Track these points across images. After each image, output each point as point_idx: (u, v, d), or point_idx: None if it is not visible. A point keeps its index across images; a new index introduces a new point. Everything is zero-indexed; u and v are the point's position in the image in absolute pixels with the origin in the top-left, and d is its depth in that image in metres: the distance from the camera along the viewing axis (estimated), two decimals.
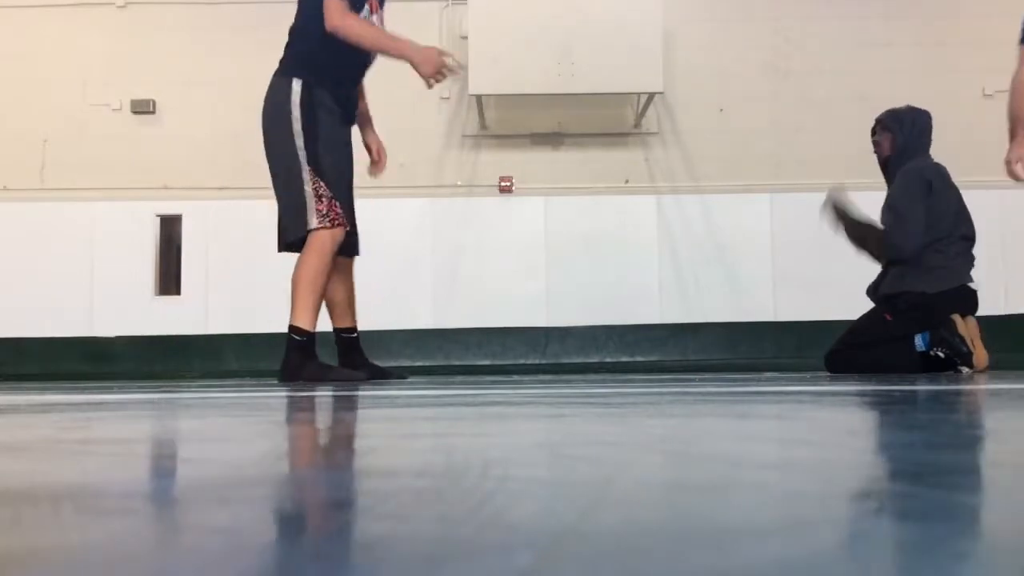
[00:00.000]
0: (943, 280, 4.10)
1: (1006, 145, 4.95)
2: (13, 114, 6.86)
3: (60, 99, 6.86)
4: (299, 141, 3.54)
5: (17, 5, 6.91)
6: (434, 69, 3.58)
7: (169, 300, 6.69)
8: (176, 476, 0.90)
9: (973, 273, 4.22)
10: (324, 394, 2.68)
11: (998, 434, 1.22)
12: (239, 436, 1.28)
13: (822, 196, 6.78)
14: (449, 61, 3.63)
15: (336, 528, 0.56)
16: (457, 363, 6.46)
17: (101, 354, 6.49)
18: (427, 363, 6.42)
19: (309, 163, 3.55)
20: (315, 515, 0.60)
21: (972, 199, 6.77)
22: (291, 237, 3.61)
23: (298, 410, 1.95)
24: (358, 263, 6.73)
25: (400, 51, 3.65)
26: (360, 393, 2.72)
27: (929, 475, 0.77)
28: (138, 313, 6.59)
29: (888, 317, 4.16)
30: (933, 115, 7.27)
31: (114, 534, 0.54)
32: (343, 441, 1.23)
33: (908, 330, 4.16)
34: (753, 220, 6.71)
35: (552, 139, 6.93)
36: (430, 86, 3.66)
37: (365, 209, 6.83)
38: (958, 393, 2.29)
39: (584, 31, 6.23)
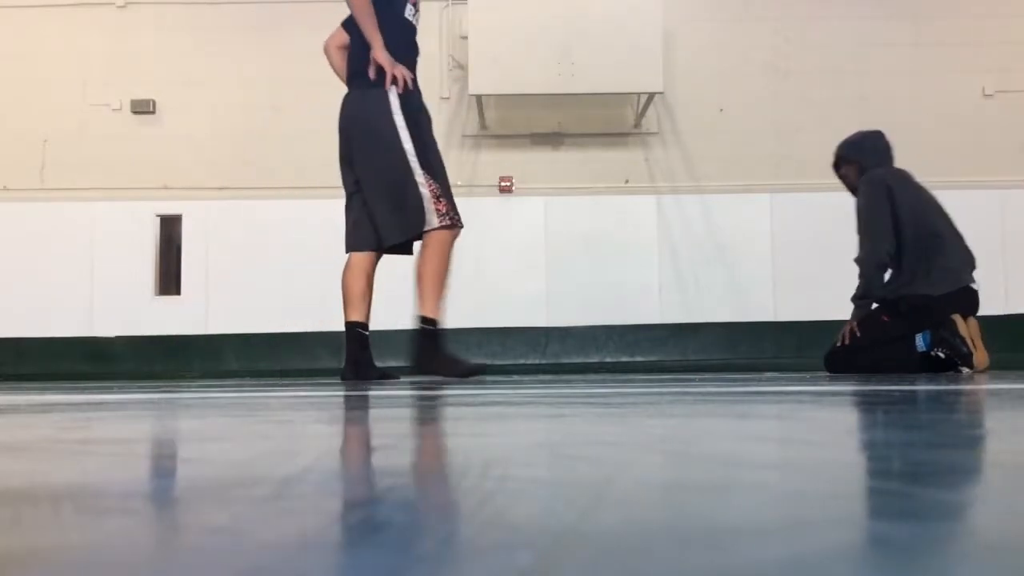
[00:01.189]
0: (945, 282, 4.09)
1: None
2: (13, 114, 6.86)
3: (60, 99, 6.86)
4: (408, 146, 3.77)
5: (17, 5, 6.91)
6: (389, 70, 3.79)
7: (169, 300, 6.69)
8: (176, 476, 0.90)
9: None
10: (324, 394, 2.68)
11: (997, 434, 1.22)
12: (239, 436, 1.28)
13: (822, 196, 6.81)
14: (405, 81, 3.86)
15: (335, 528, 0.56)
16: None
17: (101, 354, 6.49)
18: None
19: (422, 167, 3.77)
20: (315, 515, 0.60)
21: (972, 199, 6.80)
22: (401, 237, 3.80)
23: (297, 410, 1.95)
24: None
25: (373, 40, 3.82)
26: (358, 393, 2.72)
27: (929, 475, 0.77)
28: (138, 313, 6.59)
29: (886, 319, 4.15)
30: (933, 115, 7.27)
31: (114, 534, 0.54)
32: (342, 441, 1.23)
33: (906, 331, 4.15)
34: (753, 220, 6.71)
35: (552, 139, 6.93)
36: (374, 75, 3.80)
37: None
38: (958, 393, 2.29)
39: (584, 31, 6.23)
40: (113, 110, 6.89)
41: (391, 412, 1.79)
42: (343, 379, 4.02)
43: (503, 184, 6.83)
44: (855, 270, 6.66)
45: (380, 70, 3.83)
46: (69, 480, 0.81)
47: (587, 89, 6.30)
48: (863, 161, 4.34)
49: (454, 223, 3.82)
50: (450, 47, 6.90)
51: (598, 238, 6.68)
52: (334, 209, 6.75)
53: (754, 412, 1.69)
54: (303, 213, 6.69)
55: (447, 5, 6.90)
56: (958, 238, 4.28)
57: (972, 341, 4.05)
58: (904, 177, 4.25)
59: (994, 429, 1.29)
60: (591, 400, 2.10)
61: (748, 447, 1.07)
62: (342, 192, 6.85)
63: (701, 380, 3.75)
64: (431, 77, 7.00)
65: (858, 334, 4.07)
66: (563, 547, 0.48)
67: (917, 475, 0.77)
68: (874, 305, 4.32)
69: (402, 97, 3.82)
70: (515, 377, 4.76)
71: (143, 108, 6.87)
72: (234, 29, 6.92)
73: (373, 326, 4.06)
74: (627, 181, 6.86)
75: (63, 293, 6.58)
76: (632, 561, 0.44)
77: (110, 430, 1.46)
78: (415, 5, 4.07)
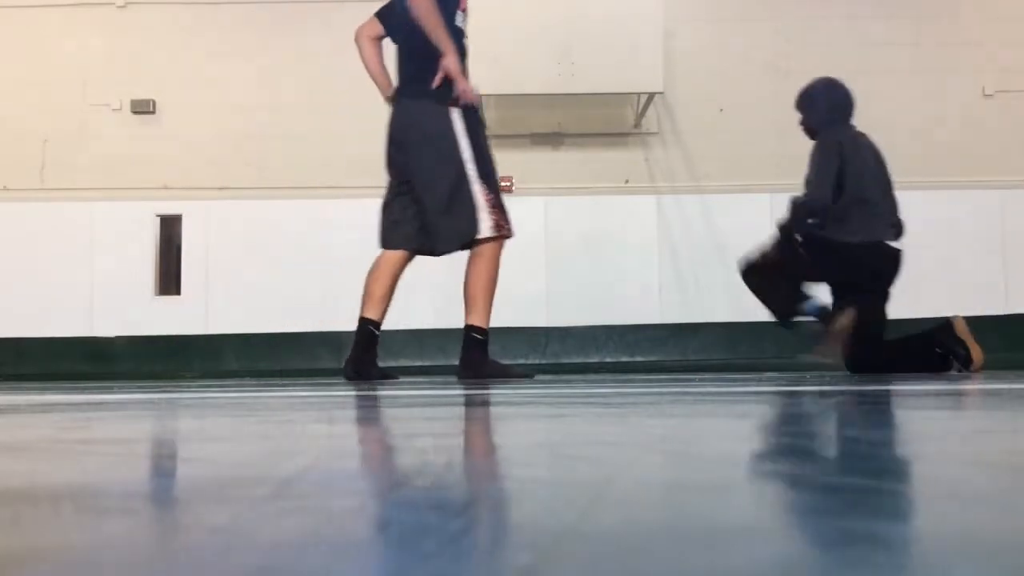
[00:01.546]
0: (861, 233, 4.18)
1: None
2: (13, 114, 6.86)
3: (60, 99, 6.86)
4: (466, 155, 3.81)
5: (17, 5, 6.91)
6: (461, 84, 3.81)
7: (169, 300, 6.69)
8: (176, 476, 0.90)
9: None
10: (323, 394, 2.68)
11: (997, 434, 1.22)
12: (239, 436, 1.28)
13: None
14: (475, 98, 3.91)
15: (336, 528, 0.56)
16: (457, 363, 6.46)
17: (101, 354, 6.49)
18: (427, 363, 6.41)
19: (481, 178, 3.83)
20: (314, 515, 0.60)
21: (972, 199, 6.80)
22: (456, 246, 3.87)
23: (297, 410, 1.95)
24: (357, 262, 6.74)
25: (446, 48, 3.79)
26: (356, 393, 2.73)
27: (929, 475, 0.77)
28: (138, 313, 6.59)
29: (803, 251, 4.23)
30: (933, 115, 7.26)
31: (114, 534, 0.54)
32: (342, 441, 1.23)
33: (826, 277, 4.25)
34: (753, 220, 6.70)
35: (552, 139, 6.92)
36: (439, 83, 3.78)
37: (366, 209, 6.85)
38: (959, 393, 2.29)
39: (584, 31, 6.22)
40: (113, 110, 6.88)
41: (391, 412, 1.79)
42: (346, 377, 4.03)
43: (503, 184, 6.82)
44: None
45: (443, 78, 3.79)
46: (69, 480, 0.81)
47: (587, 89, 6.30)
48: (812, 113, 4.45)
49: (506, 233, 3.87)
50: None
51: (598, 238, 6.67)
52: (334, 209, 6.78)
53: (754, 412, 1.69)
54: (303, 213, 6.69)
55: None
56: (891, 203, 4.43)
57: (967, 342, 4.08)
58: (857, 143, 4.32)
59: (993, 429, 1.29)
60: (591, 400, 2.10)
61: (748, 447, 1.07)
62: (342, 192, 6.89)
63: (701, 380, 3.75)
64: None
65: (776, 255, 4.25)
66: (563, 547, 0.48)
67: (916, 475, 0.77)
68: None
69: (461, 104, 3.85)
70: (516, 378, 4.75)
71: (143, 108, 6.87)
72: (234, 29, 6.92)
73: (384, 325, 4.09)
74: (627, 181, 6.86)
75: (63, 293, 6.58)
76: (632, 561, 0.44)
77: (110, 430, 1.46)
78: (464, 11, 4.04)
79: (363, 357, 4.01)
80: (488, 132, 6.80)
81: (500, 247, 3.90)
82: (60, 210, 6.67)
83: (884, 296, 4.27)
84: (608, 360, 6.51)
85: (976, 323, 6.52)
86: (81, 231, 6.65)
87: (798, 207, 4.25)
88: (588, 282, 6.62)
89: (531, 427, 1.41)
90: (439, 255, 4.01)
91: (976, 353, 4.06)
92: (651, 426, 1.39)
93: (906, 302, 6.65)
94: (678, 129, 6.91)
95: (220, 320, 6.61)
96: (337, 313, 6.61)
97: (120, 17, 6.94)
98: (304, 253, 6.63)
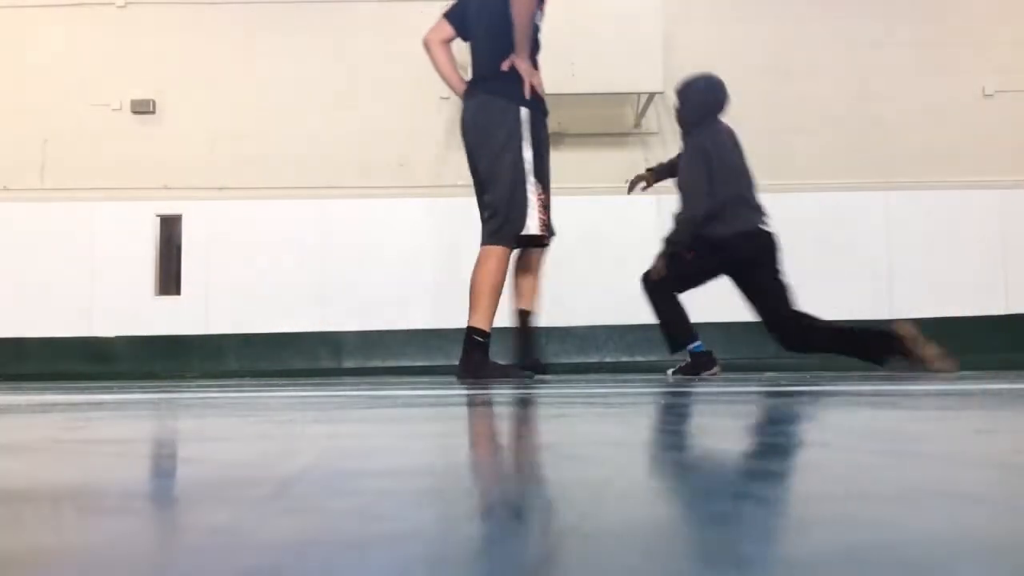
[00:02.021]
0: (738, 224, 4.30)
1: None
2: (13, 114, 6.86)
3: (60, 99, 6.86)
4: (527, 155, 3.90)
5: (17, 5, 6.91)
6: (527, 80, 3.90)
7: (169, 300, 6.69)
8: (176, 476, 0.90)
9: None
10: (321, 395, 2.68)
11: (997, 434, 1.22)
12: (239, 436, 1.28)
13: (822, 196, 6.81)
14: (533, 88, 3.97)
15: (336, 528, 0.56)
16: (457, 363, 6.47)
17: (101, 354, 6.49)
18: (427, 363, 6.41)
19: (536, 176, 3.92)
20: (315, 515, 0.60)
21: (972, 199, 6.80)
22: (501, 237, 3.89)
23: (297, 410, 1.95)
24: (357, 262, 6.74)
25: (522, 46, 3.90)
26: (358, 393, 2.72)
27: (929, 475, 0.77)
28: (138, 313, 6.59)
29: (688, 256, 4.34)
30: (933, 115, 7.25)
31: (114, 534, 0.54)
32: (343, 441, 1.23)
33: (706, 264, 4.39)
34: None
35: (552, 139, 6.89)
36: (507, 67, 3.88)
37: (366, 209, 6.86)
38: (960, 393, 2.29)
39: (584, 31, 6.22)
40: (113, 110, 6.88)
41: (392, 412, 1.79)
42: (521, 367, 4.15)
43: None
44: (854, 270, 6.68)
45: (514, 75, 3.88)
46: (69, 480, 0.81)
47: (587, 89, 6.29)
48: (682, 108, 4.51)
49: (548, 236, 3.98)
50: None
51: (598, 238, 6.67)
52: (334, 209, 6.78)
53: (754, 412, 1.69)
54: (303, 213, 6.69)
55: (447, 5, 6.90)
56: (755, 197, 4.52)
57: (918, 346, 4.15)
58: (720, 142, 4.41)
59: (993, 429, 1.29)
60: (591, 400, 2.10)
61: (748, 447, 1.07)
62: (342, 192, 6.89)
63: (701, 380, 3.76)
64: (431, 77, 6.99)
65: (664, 272, 4.36)
66: (563, 547, 0.47)
67: (916, 474, 0.77)
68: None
69: (531, 104, 3.92)
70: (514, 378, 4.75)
71: (143, 108, 6.87)
72: (234, 29, 6.92)
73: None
74: (627, 181, 6.86)
75: (63, 293, 6.58)
76: (632, 561, 0.44)
77: (110, 430, 1.46)
78: (542, 9, 4.09)
79: (529, 348, 4.15)
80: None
81: (509, 252, 3.95)
82: (60, 210, 6.66)
83: (775, 276, 4.40)
84: (608, 360, 6.51)
85: (976, 323, 6.55)
86: (81, 231, 6.64)
87: (681, 223, 4.34)
88: (588, 282, 6.62)
89: (531, 427, 1.41)
90: (522, 242, 4.05)
91: (929, 351, 4.10)
92: (651, 426, 1.39)
93: (906, 302, 6.67)
94: (678, 129, 6.90)
95: (220, 320, 6.61)
96: (337, 313, 6.62)
97: (120, 17, 6.94)
98: (305, 253, 6.63)
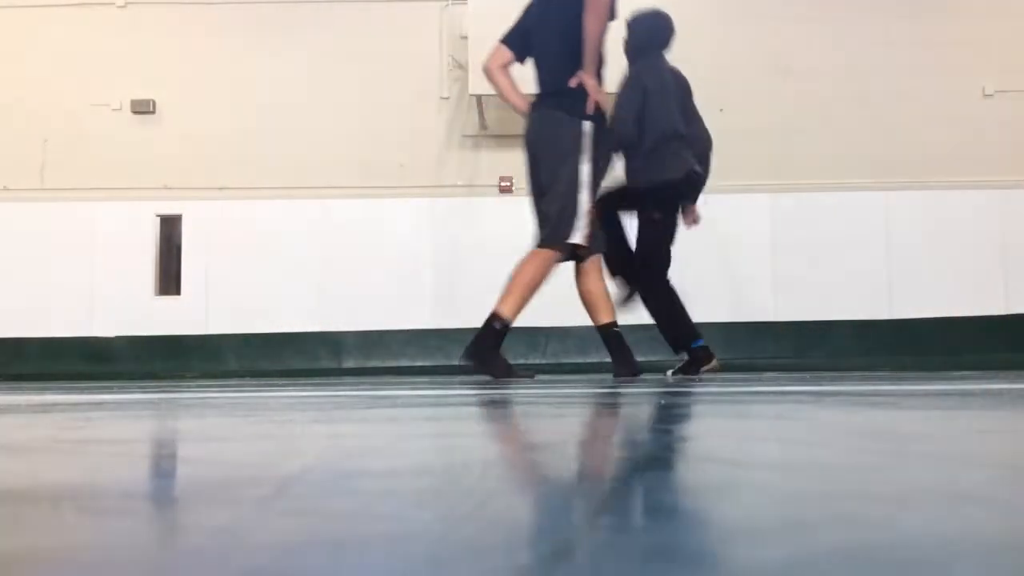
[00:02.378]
0: (675, 169, 4.34)
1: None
2: (13, 114, 6.86)
3: (60, 99, 6.86)
4: (584, 168, 4.01)
5: (17, 5, 6.91)
6: (593, 96, 4.01)
7: (169, 300, 6.69)
8: (176, 476, 0.90)
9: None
10: (321, 395, 2.68)
11: (997, 434, 1.22)
12: (239, 436, 1.28)
13: (822, 196, 6.81)
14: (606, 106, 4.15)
15: (336, 528, 0.56)
16: (457, 363, 6.47)
17: (101, 354, 6.49)
18: (427, 363, 6.41)
19: (591, 189, 4.04)
20: (315, 515, 0.60)
21: (972, 199, 6.80)
22: (550, 240, 4.02)
23: (297, 410, 1.95)
24: (357, 262, 6.75)
25: (591, 64, 4.03)
26: (358, 393, 2.73)
27: (929, 475, 0.77)
28: (138, 313, 6.59)
29: (657, 215, 4.36)
30: (933, 115, 7.25)
31: (114, 534, 0.54)
32: (343, 441, 1.23)
33: (671, 213, 4.43)
34: (753, 220, 6.71)
35: None
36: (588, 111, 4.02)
37: (366, 209, 6.86)
38: (960, 393, 2.29)
39: None
40: (113, 110, 6.88)
41: (392, 412, 1.79)
42: (617, 376, 4.20)
43: (503, 184, 6.83)
44: (854, 270, 6.68)
45: (580, 91, 3.98)
46: (69, 480, 0.81)
47: None
48: (629, 39, 4.55)
49: (587, 247, 4.10)
50: (450, 47, 6.90)
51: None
52: (334, 209, 6.78)
53: (754, 412, 1.69)
54: (303, 213, 6.69)
55: (447, 5, 6.90)
56: (698, 133, 4.53)
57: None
58: (663, 78, 4.44)
59: (992, 429, 1.29)
60: (591, 400, 2.10)
61: (748, 447, 1.07)
62: (342, 192, 6.89)
63: (701, 380, 3.76)
64: (431, 77, 7.00)
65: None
66: (563, 547, 0.47)
67: (915, 474, 0.77)
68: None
69: (594, 119, 4.04)
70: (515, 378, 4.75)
71: (143, 108, 6.87)
72: (234, 29, 6.92)
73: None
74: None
75: (63, 293, 6.58)
76: (632, 561, 0.44)
77: (110, 430, 1.46)
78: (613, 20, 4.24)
79: (626, 356, 4.22)
80: (487, 132, 6.85)
81: (555, 256, 4.07)
82: (60, 210, 6.66)
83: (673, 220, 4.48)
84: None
85: (976, 323, 6.55)
86: (81, 231, 6.65)
87: (615, 136, 4.36)
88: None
89: (531, 427, 1.42)
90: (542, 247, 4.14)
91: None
92: (651, 426, 1.39)
93: (907, 302, 6.67)
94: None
95: (220, 320, 6.61)
96: (337, 313, 6.62)
97: (120, 17, 6.94)
98: (304, 253, 6.63)
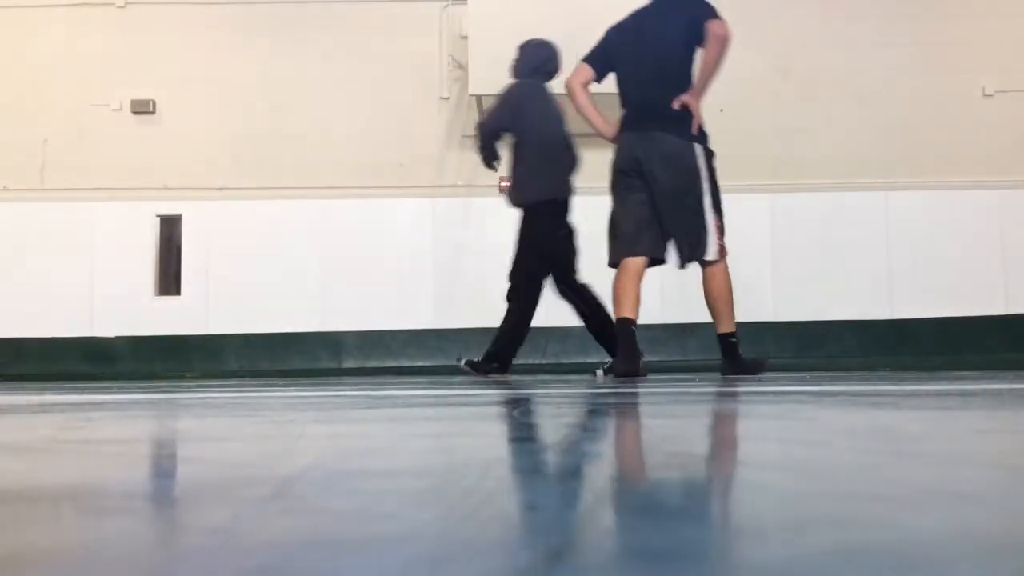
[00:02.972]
0: (551, 191, 4.69)
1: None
2: (13, 114, 6.86)
3: (60, 99, 6.86)
4: (705, 186, 4.24)
5: (17, 5, 6.91)
6: (698, 119, 4.23)
7: (169, 300, 6.69)
8: (176, 476, 0.90)
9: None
10: (321, 395, 2.68)
11: (997, 434, 1.22)
12: (239, 436, 1.28)
13: (822, 196, 6.80)
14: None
15: (336, 528, 0.56)
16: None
17: (101, 354, 6.49)
18: (427, 363, 6.41)
19: (714, 208, 4.26)
20: (315, 515, 0.60)
21: (972, 199, 6.80)
22: (698, 256, 4.27)
23: (295, 410, 1.95)
24: (357, 262, 6.74)
25: (704, 90, 4.28)
26: (358, 393, 2.73)
27: (929, 475, 0.77)
28: (138, 313, 6.59)
29: (562, 232, 4.67)
30: (933, 115, 7.25)
31: (114, 534, 0.54)
32: (343, 441, 1.23)
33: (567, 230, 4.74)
34: (753, 220, 6.70)
35: None
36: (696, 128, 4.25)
37: (366, 209, 6.86)
38: (960, 393, 2.29)
39: (584, 31, 6.21)
40: (113, 110, 6.88)
41: (392, 412, 1.79)
42: (616, 374, 4.35)
43: (503, 184, 6.83)
44: (854, 270, 6.67)
45: (686, 113, 4.19)
46: (69, 480, 0.81)
47: None
48: (515, 64, 4.87)
49: (725, 255, 4.33)
50: (450, 47, 6.90)
51: (598, 238, 6.65)
52: (334, 209, 6.78)
53: (754, 412, 1.69)
54: (303, 213, 6.69)
55: (447, 5, 6.90)
56: (570, 151, 4.85)
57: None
58: (543, 100, 4.73)
59: (994, 429, 1.29)
60: (591, 400, 2.10)
61: (748, 447, 1.07)
62: (342, 192, 6.89)
63: (701, 380, 3.76)
64: (431, 77, 7.00)
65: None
66: (563, 547, 0.47)
67: (915, 474, 0.77)
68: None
69: (702, 140, 4.25)
70: (515, 377, 4.76)
71: (143, 108, 6.87)
72: (234, 29, 6.92)
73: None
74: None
75: (63, 293, 6.58)
76: (632, 561, 0.44)
77: (110, 430, 1.46)
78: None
79: (632, 354, 4.34)
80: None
81: (726, 264, 4.34)
82: (60, 210, 6.66)
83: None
84: (608, 360, 6.50)
85: (976, 323, 6.55)
86: (81, 231, 6.65)
87: (481, 129, 4.73)
88: (588, 282, 6.61)
89: (531, 427, 1.42)
90: (683, 266, 4.44)
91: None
92: (651, 426, 1.39)
93: (906, 302, 6.67)
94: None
95: (220, 320, 6.61)
96: (337, 313, 6.62)
97: (120, 17, 6.94)
98: (304, 253, 6.63)
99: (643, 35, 4.27)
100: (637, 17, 4.34)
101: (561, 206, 4.76)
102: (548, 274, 4.71)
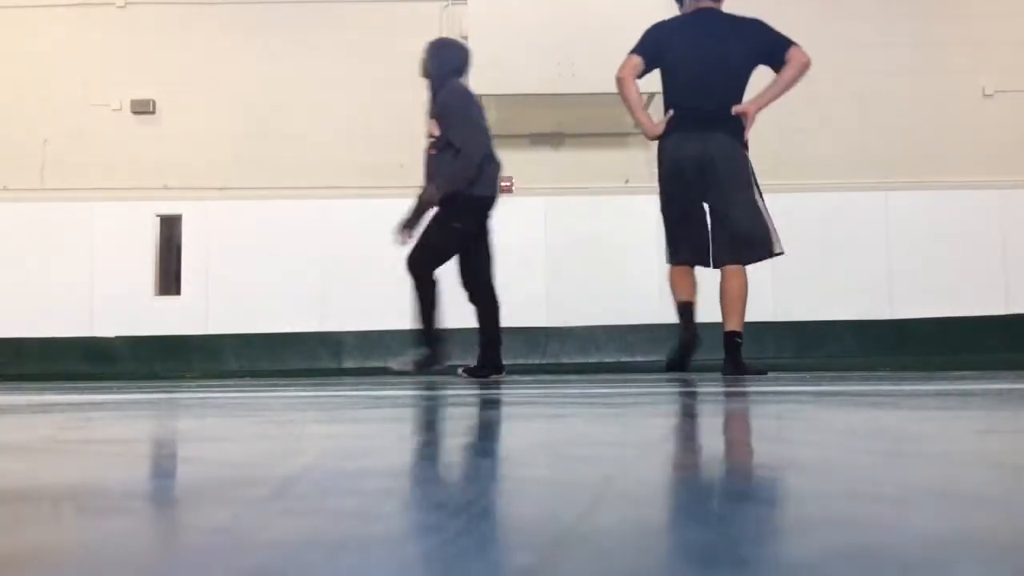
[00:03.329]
0: (491, 186, 4.58)
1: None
2: (13, 114, 6.86)
3: (60, 99, 6.86)
4: (758, 191, 4.43)
5: (17, 5, 6.91)
6: (751, 125, 4.51)
7: (169, 300, 6.69)
8: (176, 476, 0.90)
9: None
10: (321, 395, 2.68)
11: (997, 434, 1.22)
12: (239, 436, 1.28)
13: (822, 196, 6.80)
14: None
15: (336, 528, 0.56)
16: (457, 363, 6.47)
17: (101, 354, 6.49)
18: None
19: (764, 206, 4.42)
20: (315, 515, 0.60)
21: (972, 199, 6.80)
22: (764, 254, 4.42)
23: (295, 410, 1.95)
24: (357, 262, 6.74)
25: (770, 102, 4.57)
26: (358, 393, 2.72)
27: (929, 475, 0.77)
28: (138, 313, 6.59)
29: (457, 225, 4.51)
30: (933, 115, 7.27)
31: (114, 534, 0.54)
32: (343, 441, 1.23)
33: (470, 229, 4.56)
34: None
35: (552, 139, 6.92)
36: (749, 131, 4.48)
37: (366, 209, 6.85)
38: (960, 393, 2.29)
39: (584, 31, 6.22)
40: (113, 110, 6.88)
41: (391, 412, 1.79)
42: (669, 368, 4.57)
43: (503, 184, 6.82)
44: (855, 270, 6.68)
45: (738, 119, 4.40)
46: (69, 480, 0.81)
47: (587, 89, 6.29)
48: (435, 67, 4.74)
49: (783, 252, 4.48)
50: None
51: (598, 238, 6.67)
52: (334, 209, 6.78)
53: (754, 412, 1.69)
54: (303, 213, 6.69)
55: (447, 5, 6.90)
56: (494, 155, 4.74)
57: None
58: (472, 100, 4.67)
59: (993, 429, 1.29)
60: (591, 400, 2.10)
61: (748, 447, 1.07)
62: (342, 192, 6.89)
63: (701, 380, 3.76)
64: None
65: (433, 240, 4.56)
66: (563, 547, 0.47)
67: (914, 475, 0.77)
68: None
69: (746, 147, 4.48)
70: (515, 377, 4.76)
71: (143, 108, 6.87)
72: (234, 29, 6.92)
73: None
74: (627, 181, 6.86)
75: (63, 293, 6.58)
76: (632, 560, 0.44)
77: (110, 430, 1.46)
78: None
79: (688, 328, 4.51)
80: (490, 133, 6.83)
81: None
82: (60, 210, 6.66)
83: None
84: (608, 360, 6.51)
85: (976, 323, 6.55)
86: (81, 231, 6.64)
87: (458, 172, 4.50)
88: (588, 282, 6.62)
89: (531, 427, 1.42)
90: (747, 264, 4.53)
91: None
92: (651, 426, 1.39)
93: (907, 302, 6.67)
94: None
95: (220, 320, 6.61)
96: (336, 313, 6.62)
97: (120, 17, 6.94)
98: (304, 253, 6.63)
99: (705, 42, 4.43)
100: (692, 24, 4.48)
101: (477, 202, 4.65)
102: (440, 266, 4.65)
